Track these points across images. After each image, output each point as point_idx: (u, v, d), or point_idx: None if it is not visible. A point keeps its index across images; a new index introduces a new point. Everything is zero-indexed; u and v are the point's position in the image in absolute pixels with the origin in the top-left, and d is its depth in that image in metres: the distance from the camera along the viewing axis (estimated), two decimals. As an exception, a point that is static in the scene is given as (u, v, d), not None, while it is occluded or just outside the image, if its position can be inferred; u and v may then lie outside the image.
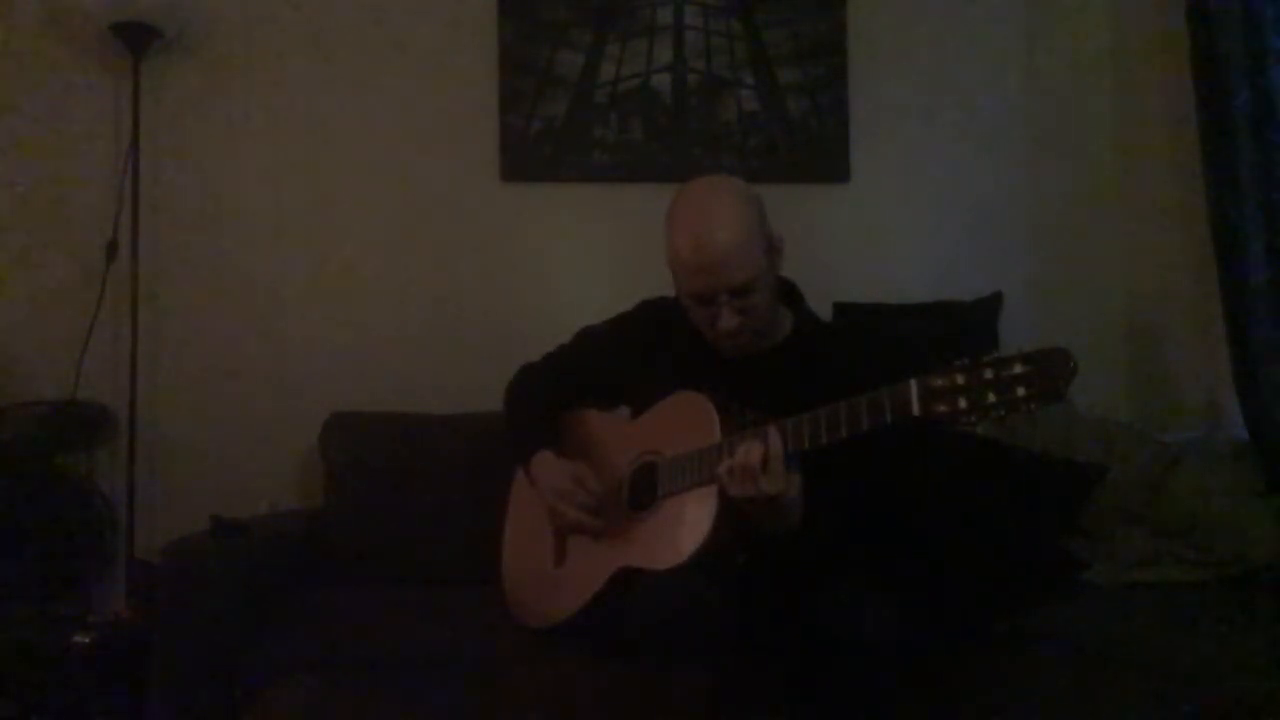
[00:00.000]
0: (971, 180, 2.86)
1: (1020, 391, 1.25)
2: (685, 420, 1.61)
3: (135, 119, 2.59)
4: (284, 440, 2.63)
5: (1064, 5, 2.92)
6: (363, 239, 2.73)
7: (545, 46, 2.77)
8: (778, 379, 1.66)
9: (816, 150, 2.82)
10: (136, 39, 2.56)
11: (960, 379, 1.29)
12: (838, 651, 1.47)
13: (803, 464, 1.49)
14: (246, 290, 2.69)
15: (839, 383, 1.46)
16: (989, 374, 1.27)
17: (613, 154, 2.78)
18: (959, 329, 2.61)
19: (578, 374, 1.88)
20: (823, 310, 1.91)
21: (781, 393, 1.58)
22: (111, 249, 2.61)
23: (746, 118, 2.81)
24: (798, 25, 2.82)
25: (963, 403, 1.28)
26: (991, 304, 2.67)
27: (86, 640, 2.17)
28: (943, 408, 1.30)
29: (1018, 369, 1.25)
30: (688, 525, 1.54)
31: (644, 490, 1.66)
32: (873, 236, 2.84)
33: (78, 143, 2.66)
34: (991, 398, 1.26)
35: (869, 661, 1.47)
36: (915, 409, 1.32)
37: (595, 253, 2.78)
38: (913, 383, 1.33)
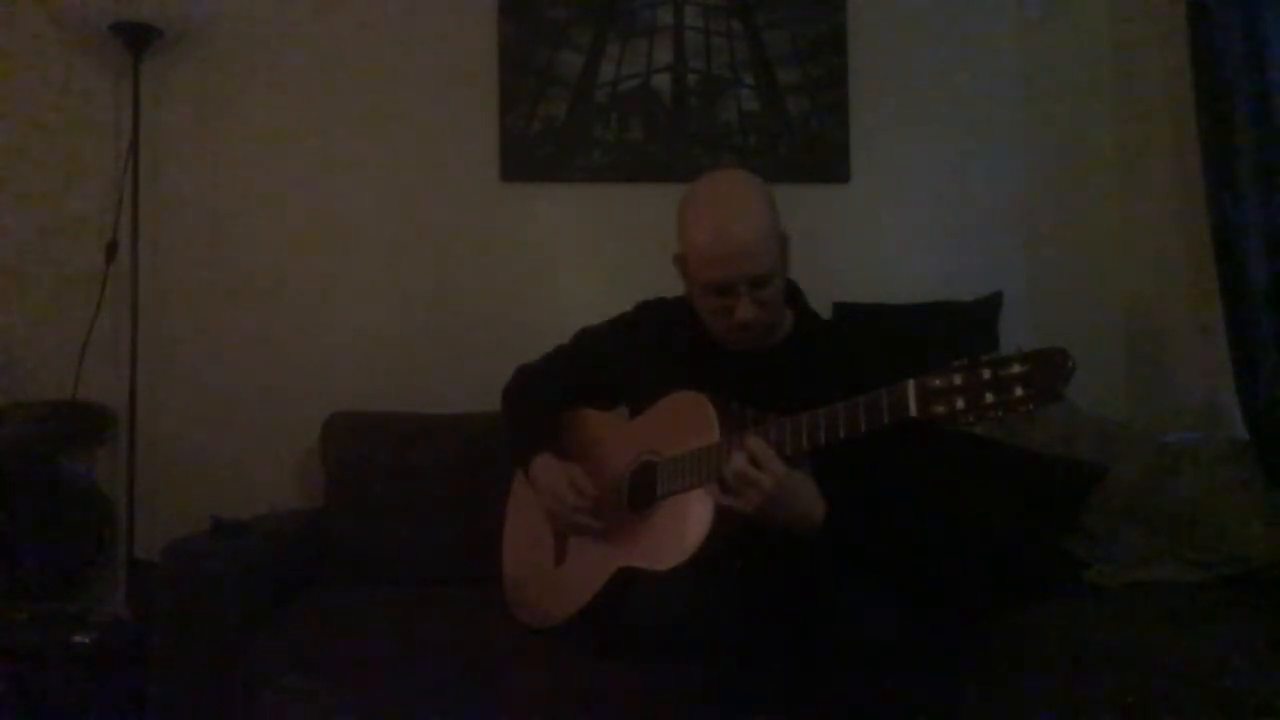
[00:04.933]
0: (971, 180, 2.86)
1: (1018, 391, 1.25)
2: (684, 419, 1.61)
3: (135, 119, 2.59)
4: (284, 440, 2.63)
5: (1064, 5, 2.91)
6: (363, 239, 2.73)
7: (545, 46, 2.76)
8: (779, 377, 1.66)
9: (816, 150, 2.81)
10: (136, 39, 2.57)
11: (958, 379, 1.29)
12: (837, 652, 1.47)
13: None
14: (246, 290, 2.69)
15: (840, 381, 1.46)
16: (987, 374, 1.27)
17: (613, 154, 2.78)
18: (959, 329, 2.61)
19: (576, 375, 1.88)
20: (823, 310, 1.91)
21: (782, 391, 1.58)
22: (111, 249, 2.61)
23: (746, 118, 2.81)
24: (798, 25, 2.82)
25: (960, 403, 1.28)
26: (991, 304, 2.67)
27: (86, 640, 2.16)
28: (940, 408, 1.30)
29: (1015, 369, 1.25)
30: (687, 525, 1.54)
31: (643, 490, 1.66)
32: (873, 236, 2.84)
33: (78, 143, 2.66)
34: (989, 398, 1.26)
35: (868, 662, 1.46)
36: (912, 410, 1.32)
37: (595, 253, 2.77)
38: (910, 383, 1.33)
